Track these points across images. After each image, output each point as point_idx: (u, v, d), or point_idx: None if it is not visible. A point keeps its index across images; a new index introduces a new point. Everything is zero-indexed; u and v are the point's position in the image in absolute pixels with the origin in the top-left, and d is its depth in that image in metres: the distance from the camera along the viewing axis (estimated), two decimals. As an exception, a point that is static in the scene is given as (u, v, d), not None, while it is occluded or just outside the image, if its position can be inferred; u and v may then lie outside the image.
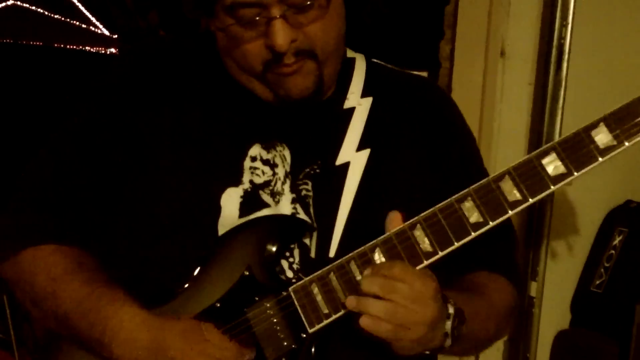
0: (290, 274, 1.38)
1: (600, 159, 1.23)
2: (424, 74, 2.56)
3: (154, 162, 1.42)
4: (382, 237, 1.29)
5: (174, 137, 1.43)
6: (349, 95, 1.48)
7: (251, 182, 1.41)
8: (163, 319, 1.33)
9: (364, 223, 1.38)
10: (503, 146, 2.48)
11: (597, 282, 2.55)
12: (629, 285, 2.49)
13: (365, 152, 1.43)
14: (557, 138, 2.36)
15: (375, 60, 1.58)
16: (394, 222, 1.29)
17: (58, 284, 1.40)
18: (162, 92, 1.46)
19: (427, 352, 1.30)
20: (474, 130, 2.47)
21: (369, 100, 1.48)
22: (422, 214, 1.27)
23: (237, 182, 1.41)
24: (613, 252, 2.53)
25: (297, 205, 1.41)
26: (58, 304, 1.39)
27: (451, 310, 1.29)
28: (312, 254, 1.39)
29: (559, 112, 2.35)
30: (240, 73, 1.41)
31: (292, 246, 1.39)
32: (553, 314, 2.59)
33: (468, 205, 1.26)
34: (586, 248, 2.62)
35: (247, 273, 1.35)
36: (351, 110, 1.47)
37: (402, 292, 1.23)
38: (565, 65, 2.36)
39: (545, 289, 2.46)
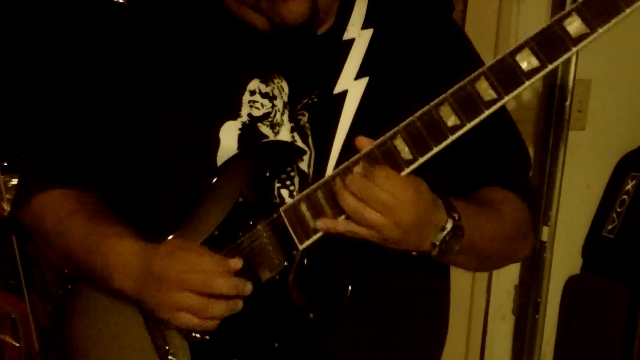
0: (290, 201, 1.38)
1: (573, 48, 1.20)
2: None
3: (156, 100, 1.44)
4: (365, 150, 1.29)
5: (174, 74, 1.44)
6: (348, 27, 1.46)
7: (249, 115, 1.42)
8: (153, 245, 1.35)
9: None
10: (517, 89, 2.45)
11: (609, 227, 2.54)
12: (641, 230, 2.49)
13: (364, 80, 1.42)
14: (571, 79, 2.37)
15: None
16: (365, 143, 1.29)
17: (64, 223, 1.44)
18: (162, 31, 1.47)
19: (415, 254, 1.31)
20: (488, 74, 2.46)
21: (369, 32, 1.46)
22: (402, 123, 1.27)
23: (235, 116, 1.41)
24: (626, 197, 2.52)
25: (296, 134, 1.42)
26: (65, 242, 1.44)
27: (449, 225, 1.29)
28: (310, 180, 1.39)
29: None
30: (237, 5, 1.41)
31: (293, 174, 1.40)
32: (564, 258, 2.58)
33: (445, 109, 1.25)
34: (599, 193, 2.61)
35: (241, 199, 1.37)
36: (351, 41, 1.45)
37: (375, 195, 1.23)
38: (581, 6, 2.32)
39: (557, 233, 2.46)
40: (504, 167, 1.51)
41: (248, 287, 1.32)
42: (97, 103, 1.48)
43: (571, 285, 2.61)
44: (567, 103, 2.41)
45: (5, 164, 2.71)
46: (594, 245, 2.59)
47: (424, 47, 1.49)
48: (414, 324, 1.48)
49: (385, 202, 1.23)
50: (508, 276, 2.59)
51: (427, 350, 1.54)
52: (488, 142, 1.44)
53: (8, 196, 2.67)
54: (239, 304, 1.33)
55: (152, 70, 1.44)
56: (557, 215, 2.44)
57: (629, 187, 2.52)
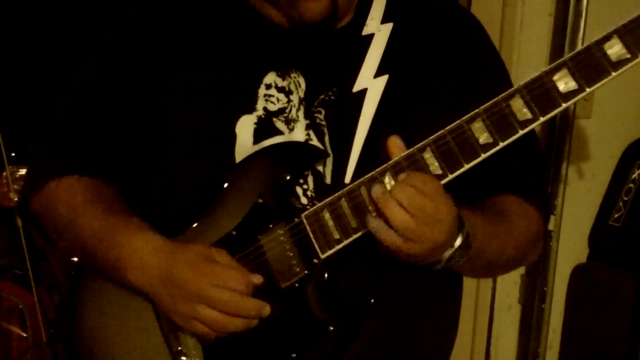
0: (304, 200, 1.37)
1: (613, 73, 1.19)
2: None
3: (171, 91, 1.42)
4: (392, 160, 1.26)
5: (190, 66, 1.42)
6: (368, 22, 1.44)
7: (265, 109, 1.40)
8: (174, 246, 1.33)
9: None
10: (522, 79, 2.44)
11: (616, 215, 2.53)
12: (648, 219, 2.47)
13: (383, 79, 1.40)
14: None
15: None
16: (397, 147, 1.27)
17: (77, 213, 1.42)
18: (178, 21, 1.45)
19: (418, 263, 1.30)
20: (493, 63, 2.45)
21: (389, 27, 1.44)
22: (432, 136, 1.25)
23: (251, 110, 1.40)
24: (632, 185, 2.50)
25: (311, 132, 1.40)
26: (77, 232, 1.42)
27: (457, 242, 1.27)
28: (327, 181, 1.38)
29: (579, 43, 2.31)
30: None
31: (306, 173, 1.38)
32: (570, 248, 2.58)
33: (477, 125, 1.23)
34: (605, 181, 2.59)
35: (260, 201, 1.35)
36: (370, 36, 1.43)
37: (427, 211, 1.21)
38: (586, -5, 2.32)
39: (563, 222, 2.45)
40: (521, 174, 1.49)
41: (267, 309, 1.30)
42: (111, 92, 1.45)
43: (578, 275, 2.60)
44: (573, 91, 2.40)
45: (13, 155, 2.72)
46: (601, 234, 2.58)
47: (445, 43, 1.47)
48: (428, 332, 1.48)
49: (437, 221, 1.21)
50: (514, 266, 2.58)
51: (439, 354, 1.54)
52: (506, 147, 1.42)
53: (15, 187, 2.67)
54: (255, 321, 1.31)
55: (167, 60, 1.42)
56: (563, 204, 2.43)
57: (635, 175, 2.51)
